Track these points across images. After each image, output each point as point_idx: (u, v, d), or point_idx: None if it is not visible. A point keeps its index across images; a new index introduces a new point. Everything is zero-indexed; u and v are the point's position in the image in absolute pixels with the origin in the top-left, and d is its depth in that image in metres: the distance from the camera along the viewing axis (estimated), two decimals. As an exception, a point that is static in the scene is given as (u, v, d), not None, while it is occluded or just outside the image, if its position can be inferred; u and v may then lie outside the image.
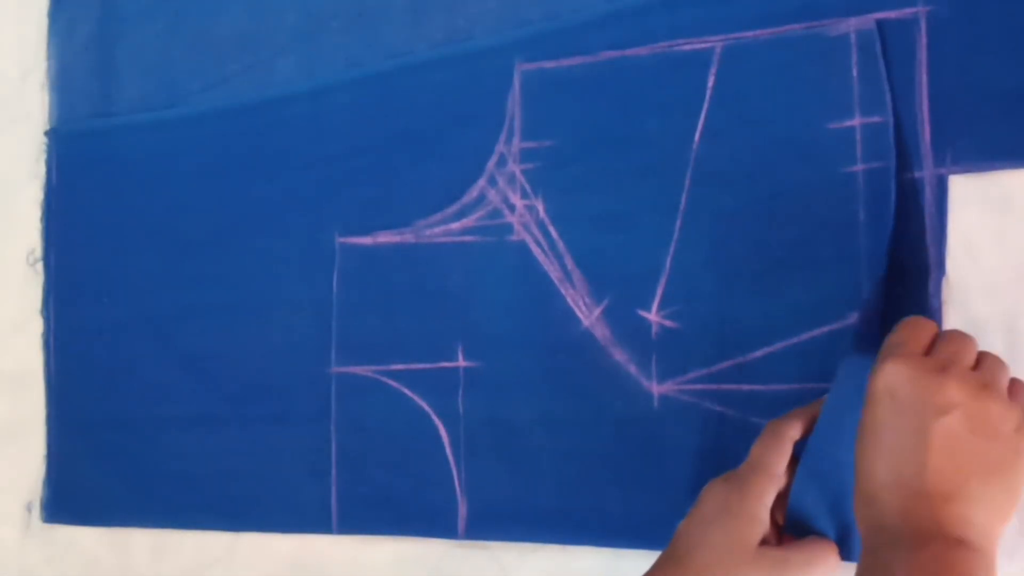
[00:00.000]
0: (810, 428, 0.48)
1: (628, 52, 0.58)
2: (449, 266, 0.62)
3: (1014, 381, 0.43)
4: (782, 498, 0.48)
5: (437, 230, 0.63)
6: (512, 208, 0.60)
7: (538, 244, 0.60)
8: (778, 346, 0.53)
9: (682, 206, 0.55)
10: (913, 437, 0.39)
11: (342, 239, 0.65)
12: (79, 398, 0.75)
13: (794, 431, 0.48)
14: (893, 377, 0.40)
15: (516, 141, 0.61)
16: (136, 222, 0.73)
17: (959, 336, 0.43)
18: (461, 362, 0.61)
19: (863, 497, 0.41)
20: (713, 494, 0.48)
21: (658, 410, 0.56)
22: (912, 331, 0.43)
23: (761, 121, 0.54)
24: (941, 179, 0.50)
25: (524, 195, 0.60)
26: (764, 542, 0.46)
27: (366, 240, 0.65)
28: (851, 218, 0.51)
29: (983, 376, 0.41)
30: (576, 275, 0.58)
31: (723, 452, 0.53)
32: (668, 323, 0.56)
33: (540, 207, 0.60)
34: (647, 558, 0.54)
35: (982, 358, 0.42)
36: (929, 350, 0.42)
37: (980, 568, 0.38)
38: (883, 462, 0.40)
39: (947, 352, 0.41)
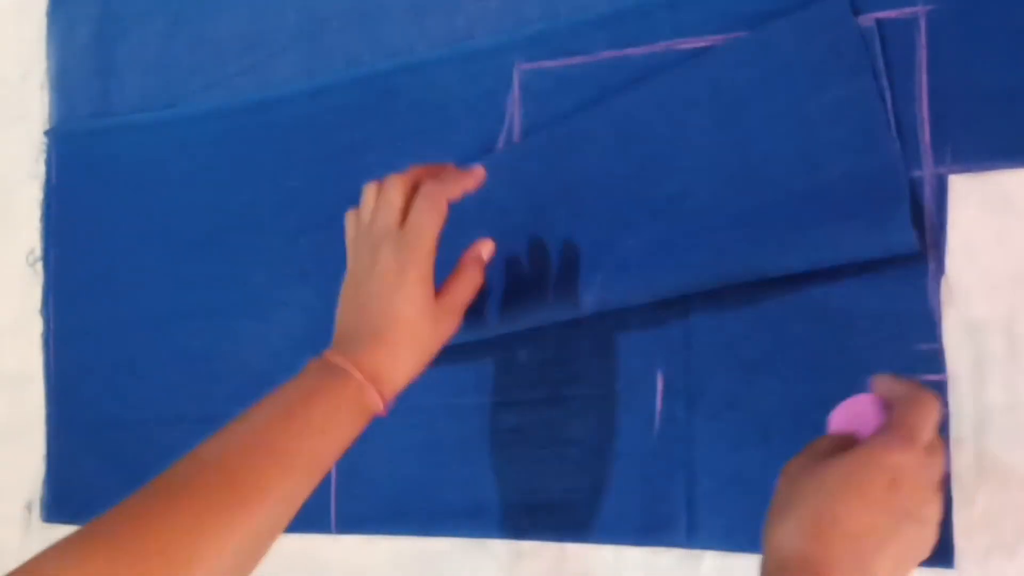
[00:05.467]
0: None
1: (628, 52, 0.58)
2: (448, 266, 0.62)
3: None
4: None
5: (437, 230, 0.62)
6: (512, 208, 0.60)
7: (538, 244, 0.60)
8: None
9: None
10: (883, 530, 0.39)
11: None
12: (79, 398, 0.75)
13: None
14: (902, 463, 0.39)
15: (515, 141, 0.60)
16: (136, 222, 0.73)
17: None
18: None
19: (797, 538, 0.39)
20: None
21: None
22: (926, 417, 0.41)
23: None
24: (941, 179, 0.50)
25: (524, 195, 0.60)
26: None
27: (366, 240, 0.64)
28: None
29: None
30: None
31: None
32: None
33: (540, 207, 0.60)
34: (649, 555, 0.54)
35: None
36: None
37: None
38: (847, 522, 0.39)
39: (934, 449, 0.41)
